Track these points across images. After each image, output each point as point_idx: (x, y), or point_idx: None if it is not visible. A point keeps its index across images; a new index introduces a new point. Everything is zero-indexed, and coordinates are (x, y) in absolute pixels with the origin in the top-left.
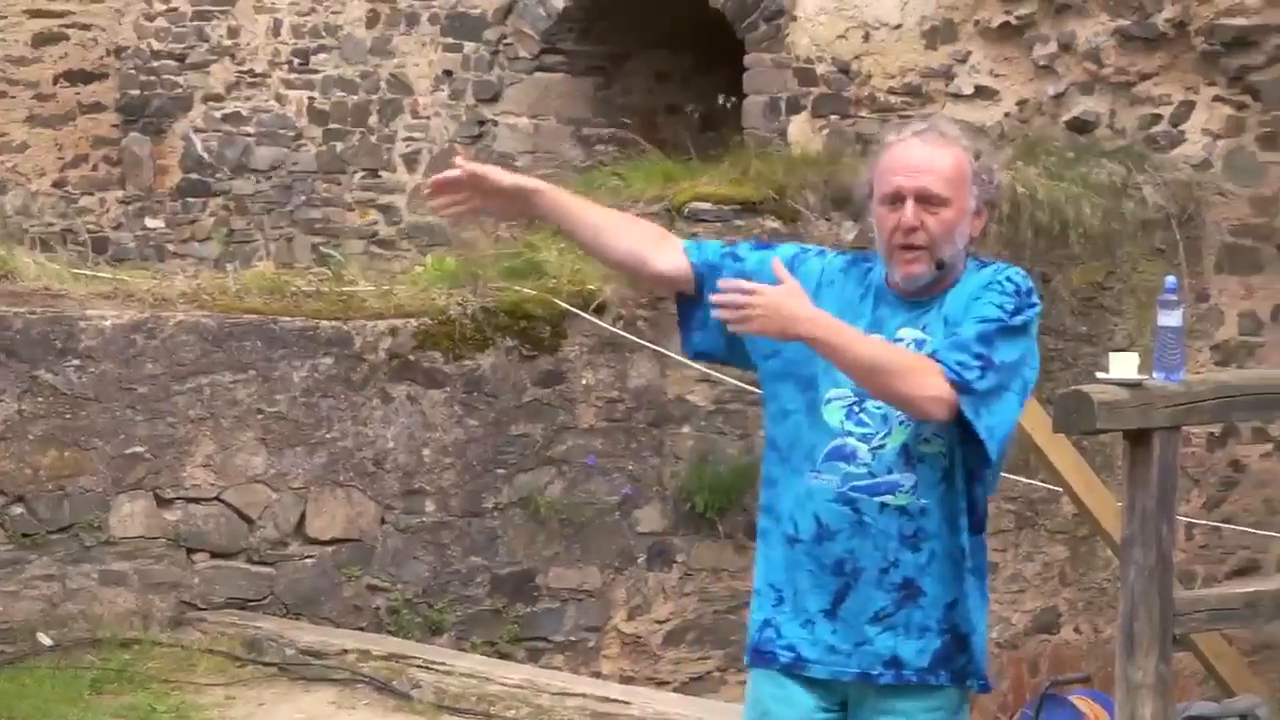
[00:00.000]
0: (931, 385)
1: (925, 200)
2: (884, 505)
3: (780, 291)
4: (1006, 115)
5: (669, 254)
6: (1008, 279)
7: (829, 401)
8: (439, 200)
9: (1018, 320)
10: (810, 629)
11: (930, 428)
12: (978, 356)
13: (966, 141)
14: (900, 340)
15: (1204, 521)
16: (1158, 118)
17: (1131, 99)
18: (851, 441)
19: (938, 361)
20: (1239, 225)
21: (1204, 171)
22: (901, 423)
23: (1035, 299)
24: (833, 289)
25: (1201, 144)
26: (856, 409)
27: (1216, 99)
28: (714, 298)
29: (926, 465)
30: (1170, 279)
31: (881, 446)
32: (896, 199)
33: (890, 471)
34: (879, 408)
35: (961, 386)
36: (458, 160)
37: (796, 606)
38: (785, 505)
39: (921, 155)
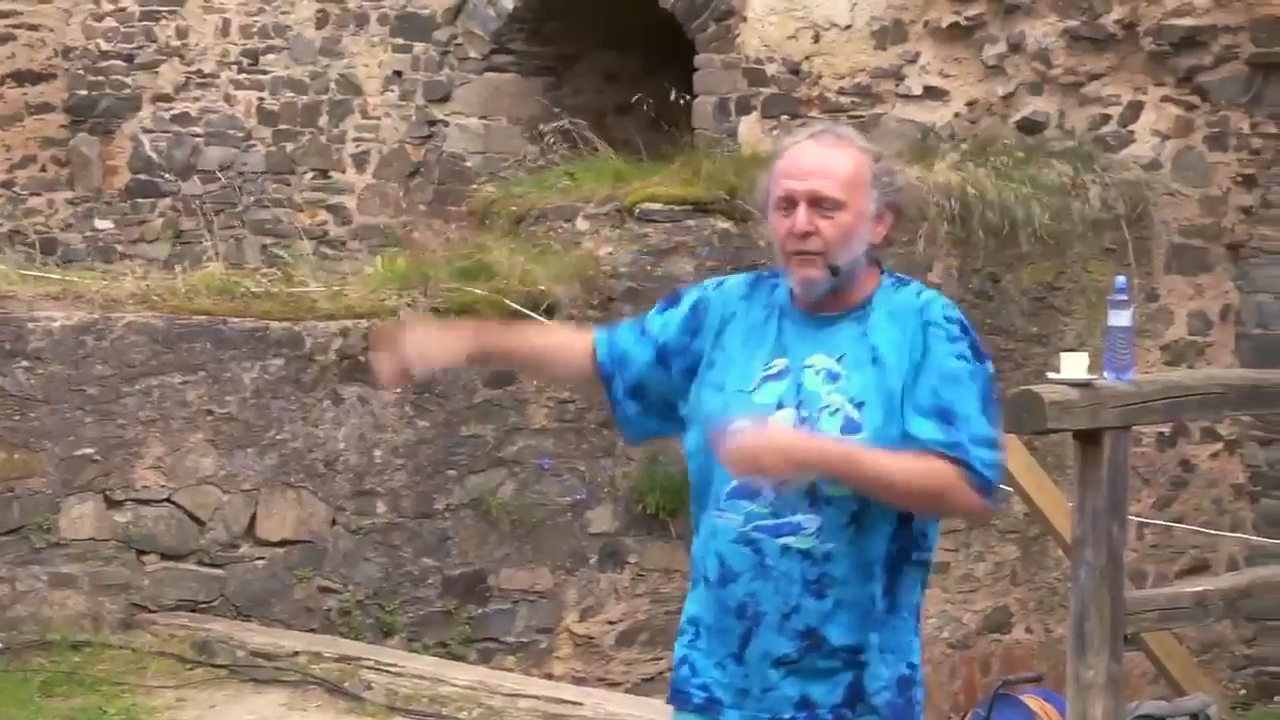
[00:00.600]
0: (962, 502)
1: (818, 203)
2: (786, 547)
3: (772, 435)
4: (956, 115)
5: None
6: (946, 319)
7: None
8: (383, 365)
9: (986, 365)
10: (722, 670)
11: None
12: (995, 444)
13: (865, 144)
14: (810, 368)
15: (1154, 521)
16: (1107, 118)
17: (1080, 99)
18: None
19: (956, 458)
20: (1188, 225)
21: (1153, 172)
22: None
23: (969, 325)
24: (735, 321)
25: (1150, 144)
26: None
27: (1165, 99)
28: (723, 457)
29: (834, 508)
30: (1120, 279)
31: (785, 483)
32: (789, 203)
33: (794, 512)
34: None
35: (988, 487)
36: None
37: (709, 646)
38: (697, 545)
39: (815, 157)
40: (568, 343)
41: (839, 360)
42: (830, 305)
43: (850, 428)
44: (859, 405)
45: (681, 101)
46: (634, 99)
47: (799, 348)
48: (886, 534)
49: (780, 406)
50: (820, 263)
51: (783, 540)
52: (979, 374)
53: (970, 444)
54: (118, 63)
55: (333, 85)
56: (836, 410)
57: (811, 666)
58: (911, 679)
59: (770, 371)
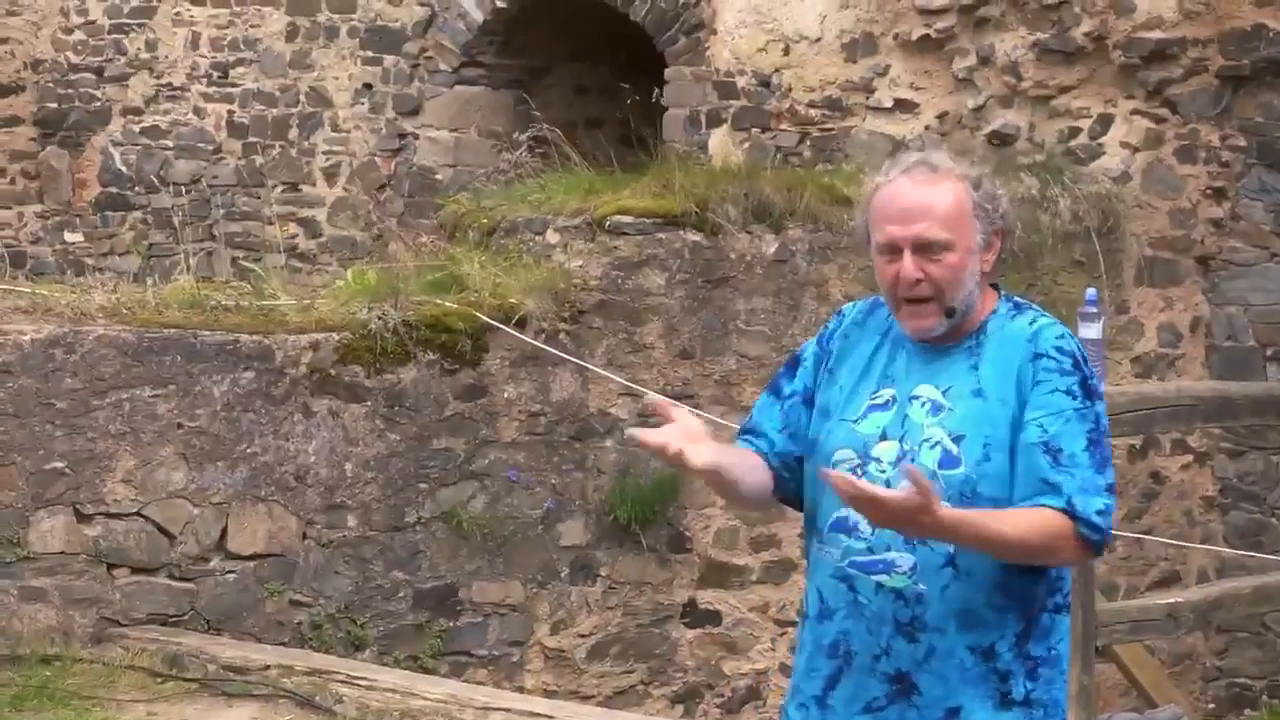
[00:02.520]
0: (1072, 556)
1: (924, 249)
2: (880, 585)
3: (905, 509)
4: (926, 128)
5: (763, 476)
6: (1058, 350)
7: (836, 465)
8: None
9: (1101, 405)
10: (805, 712)
11: None
12: (1108, 489)
13: (962, 169)
14: (917, 399)
15: (1125, 533)
16: (1076, 131)
17: (1050, 112)
18: (854, 513)
19: (1068, 511)
20: (1158, 238)
21: (1123, 184)
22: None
23: (1089, 360)
24: (849, 349)
25: (1120, 157)
26: (859, 473)
27: (1135, 112)
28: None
29: (928, 548)
30: (1090, 291)
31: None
32: (893, 250)
33: (889, 549)
34: (882, 471)
35: (1100, 539)
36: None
37: (797, 687)
38: (807, 577)
39: (914, 199)
40: (747, 465)
41: (945, 392)
42: (943, 335)
43: (948, 462)
44: (958, 439)
45: (657, 100)
46: (610, 98)
47: (907, 378)
48: (999, 585)
49: (884, 438)
50: (934, 309)
51: (877, 578)
52: (1088, 414)
53: (1079, 494)
54: (87, 75)
55: (303, 98)
56: (936, 444)
57: (899, 717)
58: None
59: (877, 401)
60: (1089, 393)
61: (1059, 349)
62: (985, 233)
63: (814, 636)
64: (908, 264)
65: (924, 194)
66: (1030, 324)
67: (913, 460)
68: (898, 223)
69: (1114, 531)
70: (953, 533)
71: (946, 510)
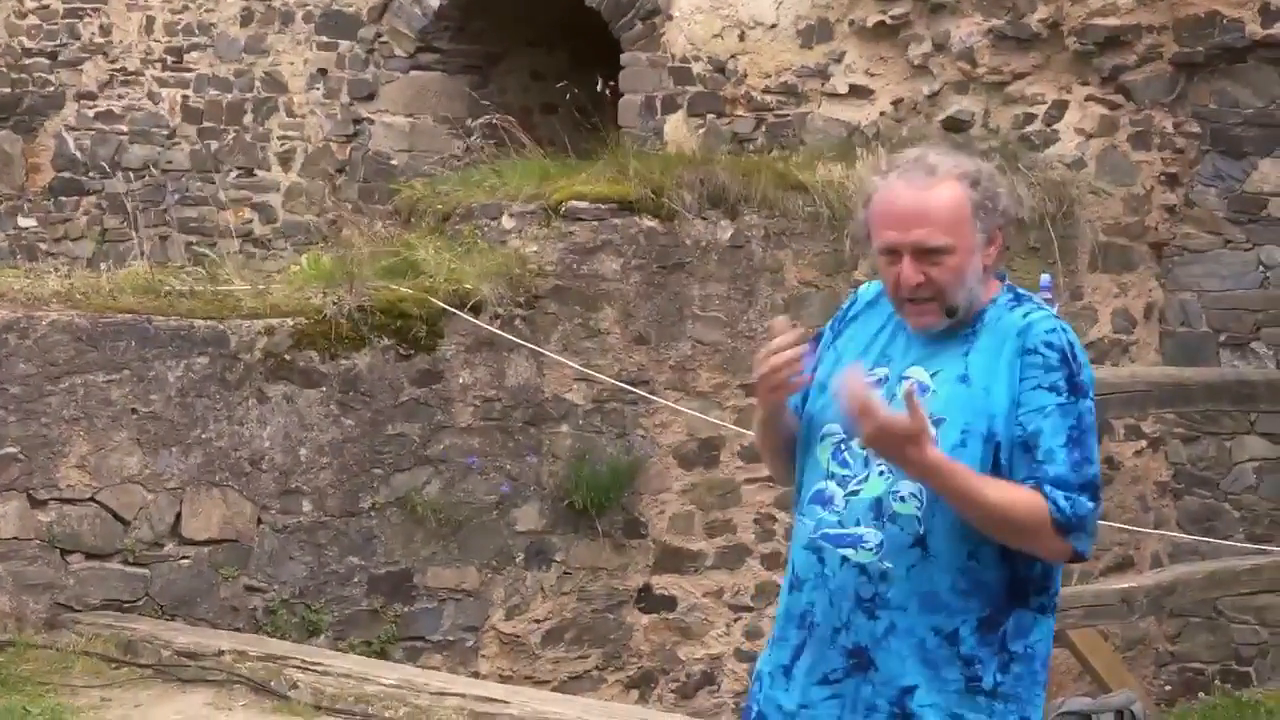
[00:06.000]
0: (1046, 544)
1: (924, 254)
2: (845, 559)
3: (897, 431)
4: (882, 114)
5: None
6: (1046, 345)
7: (823, 439)
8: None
9: (1086, 403)
10: (771, 681)
11: (910, 486)
12: (1081, 487)
13: (960, 167)
14: (906, 380)
15: None
16: (1031, 117)
17: (1005, 98)
18: (831, 486)
19: (1045, 499)
20: (1112, 224)
21: (1077, 170)
22: (882, 472)
23: (1080, 353)
24: (856, 325)
25: (1075, 143)
26: (843, 448)
27: (1089, 99)
28: (840, 392)
29: (897, 526)
30: (1045, 277)
31: (856, 493)
32: (893, 253)
33: (859, 523)
34: (863, 449)
35: (1069, 531)
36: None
37: (768, 656)
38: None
39: (911, 203)
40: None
41: (933, 376)
42: (946, 329)
43: None
44: (937, 423)
45: (607, 92)
46: (561, 88)
47: (903, 359)
48: (965, 571)
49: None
50: (935, 307)
51: (843, 551)
52: (1070, 409)
53: (1050, 485)
54: (41, 60)
55: (258, 83)
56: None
57: (854, 692)
58: None
59: (871, 379)
60: (1074, 389)
61: (1048, 344)
62: (986, 230)
63: (786, 606)
64: (907, 269)
65: (921, 199)
66: (1024, 317)
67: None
68: (896, 228)
69: None
70: (936, 474)
71: (936, 451)
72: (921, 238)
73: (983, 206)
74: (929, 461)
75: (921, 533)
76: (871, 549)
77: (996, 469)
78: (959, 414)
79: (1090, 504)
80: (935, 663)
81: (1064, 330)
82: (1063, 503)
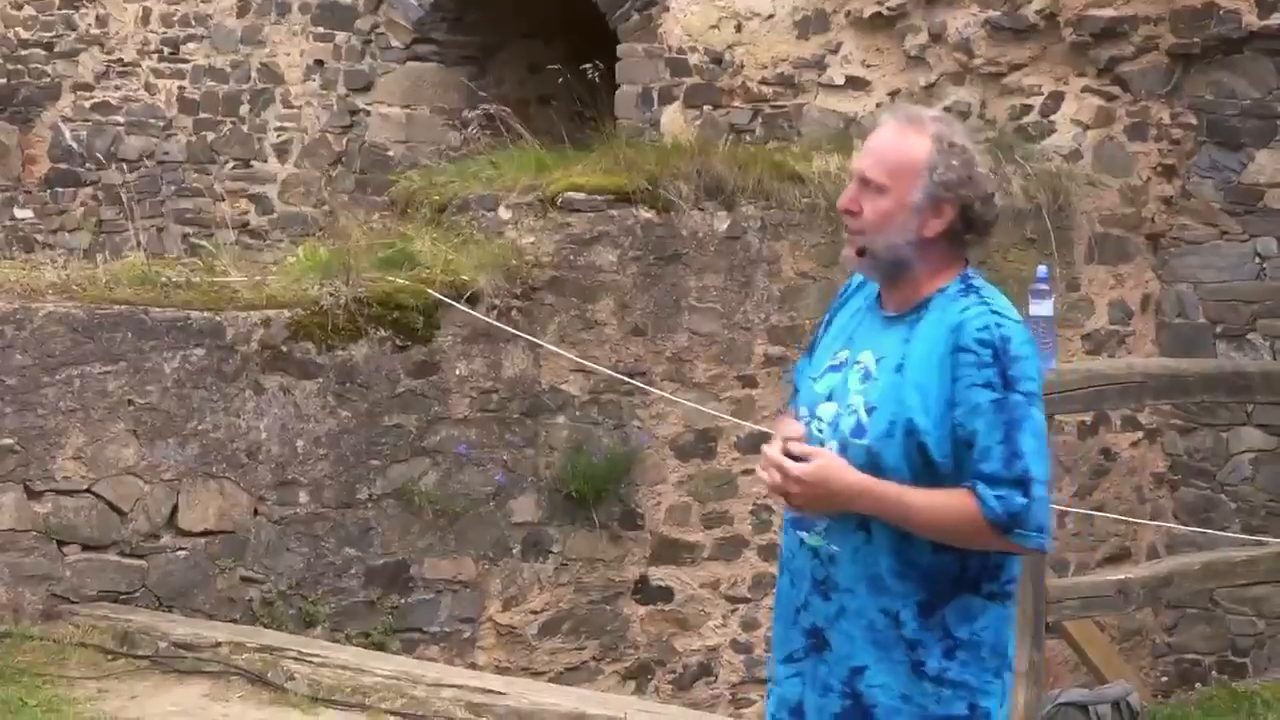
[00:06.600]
0: (984, 541)
1: (865, 185)
2: (802, 542)
3: (814, 473)
4: (878, 106)
5: None
6: (978, 343)
7: (801, 419)
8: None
9: (1017, 396)
10: (769, 659)
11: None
12: (1015, 482)
13: (940, 131)
14: (858, 364)
15: (1076, 509)
16: (1028, 108)
17: (1001, 89)
18: None
19: (976, 496)
20: (1109, 215)
21: (1074, 162)
22: (847, 454)
23: (1017, 347)
24: (842, 309)
25: (1071, 134)
26: (814, 428)
27: (1086, 90)
28: (759, 469)
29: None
30: (1041, 269)
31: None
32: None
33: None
34: (820, 431)
35: (1004, 526)
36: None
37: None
38: None
39: (877, 138)
40: None
41: (878, 362)
42: (895, 303)
43: (857, 432)
44: (870, 410)
45: (598, 78)
46: (555, 73)
47: (860, 343)
48: (900, 555)
49: (829, 399)
50: (857, 243)
51: (801, 534)
52: (1002, 404)
53: (984, 484)
54: (37, 51)
55: (254, 74)
56: (854, 411)
57: (812, 670)
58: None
59: (835, 362)
60: (1006, 383)
61: (980, 341)
62: (932, 196)
63: (778, 586)
64: (846, 192)
65: (884, 136)
66: (962, 311)
67: (835, 426)
68: (861, 154)
69: (1065, 508)
70: (862, 499)
71: (855, 479)
72: (865, 167)
73: (938, 170)
74: (852, 491)
75: (864, 517)
76: (820, 532)
77: (928, 464)
78: (889, 404)
79: (1022, 500)
80: (884, 644)
81: (999, 325)
82: (993, 501)
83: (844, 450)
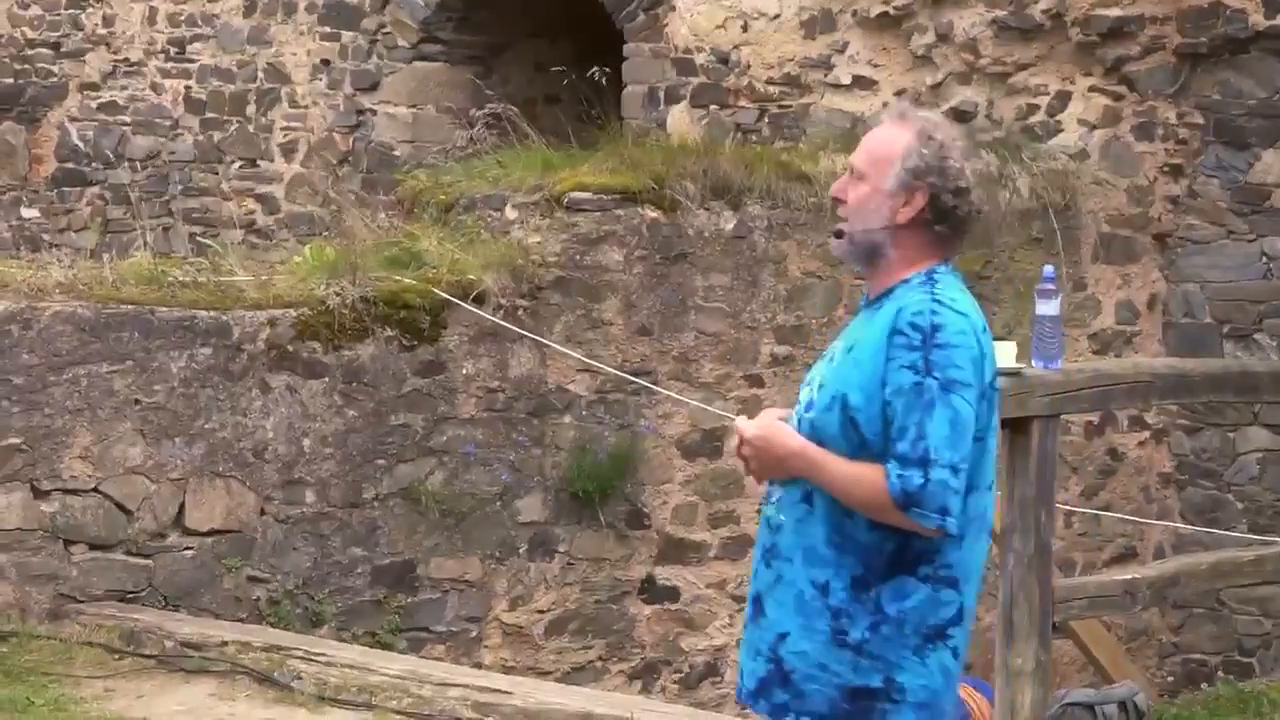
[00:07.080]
0: (890, 517)
1: (851, 173)
2: (760, 511)
3: (757, 431)
4: (885, 105)
5: None
6: (911, 326)
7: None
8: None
9: (934, 378)
10: None
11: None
12: (919, 462)
13: (924, 127)
14: (835, 350)
15: (1082, 509)
16: (1034, 108)
17: (1008, 89)
18: None
19: (887, 475)
20: (1115, 215)
21: (1080, 161)
22: (800, 428)
23: (947, 335)
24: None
25: (1078, 134)
26: (799, 413)
27: (1092, 89)
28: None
29: (793, 482)
30: (1048, 268)
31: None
32: None
33: (773, 480)
34: (798, 417)
35: (906, 504)
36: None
37: None
38: None
39: (870, 134)
40: None
41: (845, 347)
42: (873, 291)
43: (808, 407)
44: (820, 388)
45: (603, 79)
46: (560, 73)
47: (846, 333)
48: (838, 528)
49: (808, 384)
50: (838, 227)
51: (763, 505)
52: (920, 388)
53: (894, 461)
54: (44, 51)
55: (260, 74)
56: (810, 389)
57: (752, 635)
58: (884, 694)
59: (826, 353)
60: (929, 367)
61: (912, 324)
62: (903, 182)
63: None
64: (839, 180)
65: (878, 131)
66: (901, 307)
67: (801, 405)
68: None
69: (1071, 508)
70: (798, 459)
71: (794, 440)
72: (853, 158)
73: (913, 159)
74: (788, 451)
75: (809, 489)
76: (774, 503)
77: (862, 441)
78: (833, 381)
79: (919, 479)
80: (809, 613)
81: (934, 312)
82: (894, 479)
83: (799, 425)
